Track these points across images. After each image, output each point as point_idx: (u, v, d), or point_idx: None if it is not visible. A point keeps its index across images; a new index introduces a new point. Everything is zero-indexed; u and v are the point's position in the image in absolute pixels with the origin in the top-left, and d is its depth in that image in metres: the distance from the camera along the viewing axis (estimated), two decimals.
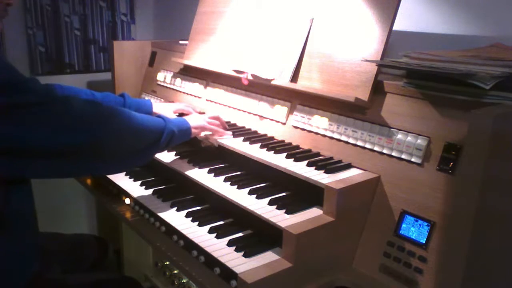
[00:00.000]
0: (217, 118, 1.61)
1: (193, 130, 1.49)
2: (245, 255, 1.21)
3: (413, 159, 1.23)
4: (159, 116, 1.42)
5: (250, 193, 1.36)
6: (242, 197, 1.35)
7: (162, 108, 1.77)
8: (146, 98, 2.29)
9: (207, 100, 1.95)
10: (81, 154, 1.15)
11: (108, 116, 1.20)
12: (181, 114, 1.77)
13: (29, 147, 1.07)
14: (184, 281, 1.96)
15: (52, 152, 1.11)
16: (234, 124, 1.75)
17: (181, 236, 1.34)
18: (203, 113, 1.73)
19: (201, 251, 1.25)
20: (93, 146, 1.16)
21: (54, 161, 1.13)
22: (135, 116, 1.28)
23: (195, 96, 2.02)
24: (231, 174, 1.50)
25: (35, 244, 1.29)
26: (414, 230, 1.19)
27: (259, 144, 1.51)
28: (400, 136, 1.26)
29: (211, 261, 1.22)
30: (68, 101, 1.12)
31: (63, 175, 1.25)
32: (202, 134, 1.57)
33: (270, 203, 1.30)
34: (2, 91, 1.02)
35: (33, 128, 1.06)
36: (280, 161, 1.39)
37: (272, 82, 1.58)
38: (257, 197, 1.34)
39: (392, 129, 1.29)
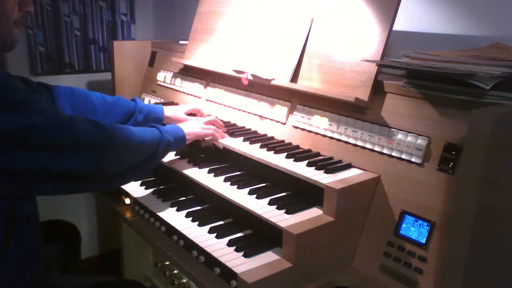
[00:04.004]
0: (213, 122, 1.62)
1: (187, 137, 1.51)
2: (245, 255, 1.21)
3: (413, 159, 1.23)
4: (154, 126, 1.43)
5: (250, 193, 1.36)
6: (242, 197, 1.35)
7: (173, 111, 1.76)
8: (146, 98, 2.29)
9: (207, 100, 1.95)
10: (84, 175, 1.18)
11: (110, 137, 1.22)
12: (192, 114, 1.78)
13: (32, 169, 1.08)
14: (184, 281, 1.96)
15: (56, 173, 1.12)
16: (234, 124, 1.75)
17: (181, 236, 1.34)
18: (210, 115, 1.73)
19: (201, 251, 1.25)
20: (95, 166, 1.19)
21: (58, 181, 1.15)
22: (134, 132, 1.31)
23: (195, 96, 2.02)
24: (231, 174, 1.50)
25: (40, 249, 1.29)
26: (414, 230, 1.19)
27: (259, 144, 1.51)
28: (400, 136, 1.26)
29: (211, 261, 1.22)
30: (73, 123, 1.13)
31: (68, 193, 1.27)
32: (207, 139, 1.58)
33: (270, 203, 1.30)
34: (9, 111, 1.02)
35: (37, 151, 1.07)
36: (280, 161, 1.39)
37: (272, 82, 1.58)
38: (257, 197, 1.34)
39: (392, 129, 1.29)
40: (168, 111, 1.74)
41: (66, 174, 1.14)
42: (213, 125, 1.62)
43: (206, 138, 1.60)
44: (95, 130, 1.18)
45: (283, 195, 1.37)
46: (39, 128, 1.06)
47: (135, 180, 1.74)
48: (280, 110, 1.61)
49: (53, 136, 1.08)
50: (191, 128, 1.54)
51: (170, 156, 1.66)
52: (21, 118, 1.03)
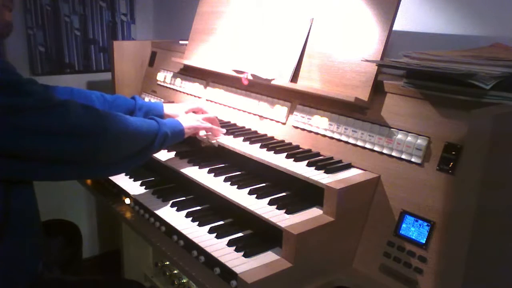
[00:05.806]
0: (212, 120, 1.62)
1: (186, 131, 1.51)
2: (245, 255, 1.21)
3: (413, 159, 1.23)
4: (152, 118, 1.42)
5: (250, 193, 1.36)
6: (242, 197, 1.35)
7: (174, 109, 1.75)
8: (146, 98, 2.29)
9: (207, 100, 1.95)
10: (77, 160, 1.16)
11: (104, 122, 1.19)
12: None
13: (24, 151, 1.06)
14: (184, 281, 1.96)
15: (48, 157, 1.10)
16: (234, 124, 1.75)
17: (181, 236, 1.34)
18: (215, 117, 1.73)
19: (201, 251, 1.25)
20: (89, 152, 1.16)
21: (51, 165, 1.13)
22: (130, 120, 1.29)
23: (195, 96, 2.02)
24: (231, 174, 1.50)
25: (39, 244, 1.29)
26: (414, 230, 1.19)
27: (259, 144, 1.51)
28: (400, 136, 1.26)
29: (211, 261, 1.22)
30: (65, 107, 1.11)
31: (61, 179, 1.25)
32: (201, 133, 1.57)
33: (270, 203, 1.30)
34: (1, 91, 1.01)
35: (28, 133, 1.05)
36: (280, 161, 1.39)
37: (272, 82, 1.58)
38: (257, 197, 1.34)
39: (392, 129, 1.29)
40: (168, 109, 1.74)
41: (56, 158, 1.11)
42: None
43: (204, 136, 1.59)
44: (89, 115, 1.16)
45: (283, 195, 1.37)
46: (31, 109, 1.04)
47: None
48: (280, 110, 1.61)
49: (44, 118, 1.06)
50: (190, 122, 1.53)
51: (170, 156, 1.66)
52: (12, 99, 1.01)
